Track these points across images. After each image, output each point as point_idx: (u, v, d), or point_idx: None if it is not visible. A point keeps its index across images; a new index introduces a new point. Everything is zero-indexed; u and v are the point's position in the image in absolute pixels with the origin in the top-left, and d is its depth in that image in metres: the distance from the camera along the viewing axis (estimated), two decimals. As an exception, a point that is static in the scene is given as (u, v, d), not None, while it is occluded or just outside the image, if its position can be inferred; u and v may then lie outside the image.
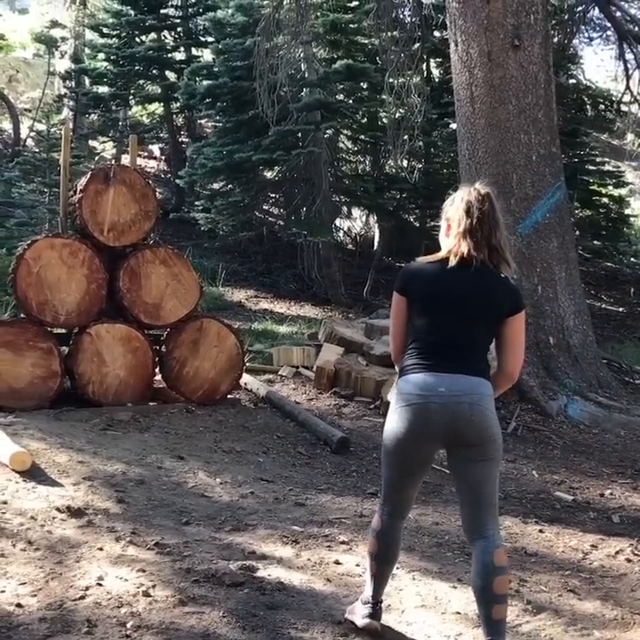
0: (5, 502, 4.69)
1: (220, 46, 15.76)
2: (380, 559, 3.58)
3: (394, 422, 3.43)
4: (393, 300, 3.60)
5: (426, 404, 3.33)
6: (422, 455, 3.46)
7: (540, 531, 5.38)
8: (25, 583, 3.73)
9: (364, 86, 16.37)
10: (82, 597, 3.65)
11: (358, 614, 3.60)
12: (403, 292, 3.54)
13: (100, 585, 3.78)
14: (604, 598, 4.25)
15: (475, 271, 3.41)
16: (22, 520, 4.46)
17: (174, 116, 20.08)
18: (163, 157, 22.47)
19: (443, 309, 3.43)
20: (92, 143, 21.68)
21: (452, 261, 3.43)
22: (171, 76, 19.38)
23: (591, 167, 17.20)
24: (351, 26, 15.24)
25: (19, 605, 3.51)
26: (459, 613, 3.90)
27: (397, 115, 14.20)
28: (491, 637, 3.29)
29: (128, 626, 3.42)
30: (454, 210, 3.53)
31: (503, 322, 3.45)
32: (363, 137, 17.39)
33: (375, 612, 3.58)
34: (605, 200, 17.84)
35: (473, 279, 3.40)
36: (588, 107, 17.47)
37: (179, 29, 19.82)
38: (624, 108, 16.33)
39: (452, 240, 3.48)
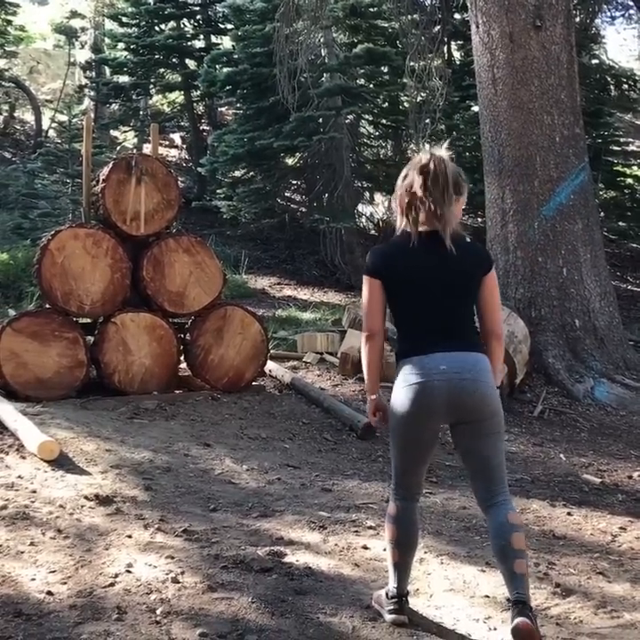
0: (34, 491, 4.72)
1: (239, 33, 15.75)
2: (401, 545, 3.57)
3: (399, 404, 3.44)
4: (365, 283, 3.52)
5: (429, 382, 3.34)
6: (428, 433, 3.47)
7: (569, 513, 5.35)
8: (55, 571, 3.76)
9: (385, 70, 16.31)
10: (111, 585, 3.67)
11: (384, 608, 3.60)
12: (376, 274, 3.47)
13: (129, 572, 3.80)
14: (634, 580, 4.22)
15: (433, 241, 3.37)
16: (51, 508, 4.49)
17: (195, 104, 20.12)
18: (184, 146, 22.51)
19: (425, 287, 3.40)
20: (113, 133, 21.76)
21: (417, 236, 3.38)
22: (191, 64, 19.42)
23: (615, 148, 17.06)
24: (371, 10, 15.19)
25: (49, 593, 3.54)
26: (487, 597, 3.89)
27: (419, 98, 14.12)
28: (516, 591, 3.30)
29: (158, 612, 3.44)
30: (409, 181, 3.43)
31: (481, 283, 3.45)
32: (384, 121, 17.33)
33: (401, 607, 3.57)
34: (630, 180, 17.70)
35: (445, 251, 3.35)
36: (611, 87, 17.32)
37: (198, 17, 19.83)
38: (647, 87, 16.18)
39: (411, 212, 3.40)
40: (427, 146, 3.40)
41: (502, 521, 3.38)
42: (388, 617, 3.55)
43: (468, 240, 3.49)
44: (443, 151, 3.44)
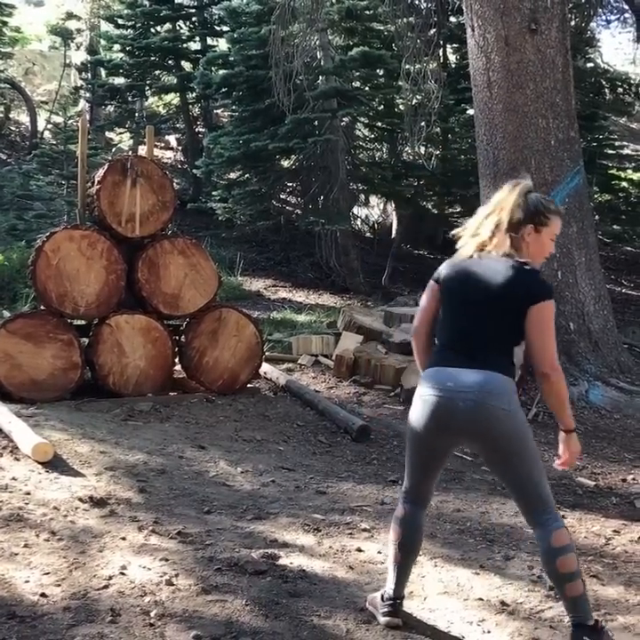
0: (28, 493, 4.72)
1: (235, 35, 15.74)
2: (404, 547, 3.58)
3: (412, 413, 3.46)
4: (427, 286, 3.61)
5: (436, 397, 3.34)
6: (435, 447, 3.46)
7: (562, 516, 5.33)
8: (49, 573, 3.76)
9: (381, 73, 16.32)
10: (105, 587, 3.67)
11: (379, 611, 3.60)
12: (436, 280, 3.56)
13: (123, 574, 3.80)
14: (628, 583, 4.23)
15: (493, 261, 3.38)
16: (45, 510, 4.49)
17: (190, 106, 20.12)
18: (179, 148, 22.51)
19: (459, 301, 3.44)
20: (108, 134, 21.75)
21: (472, 252, 3.46)
22: (186, 65, 19.42)
23: (610, 151, 17.08)
24: (366, 12, 15.18)
25: (43, 595, 3.54)
26: (481, 599, 3.90)
27: (414, 101, 14.14)
28: (571, 615, 3.35)
29: (152, 614, 3.44)
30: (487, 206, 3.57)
31: (524, 314, 3.36)
32: (379, 124, 17.35)
33: (395, 609, 3.58)
34: (625, 184, 17.73)
35: (490, 270, 3.37)
36: (606, 90, 17.34)
37: (194, 19, 19.83)
38: (642, 90, 16.22)
39: (473, 230, 3.52)
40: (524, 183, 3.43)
41: (546, 548, 3.34)
42: (383, 619, 3.56)
43: (527, 269, 3.39)
44: (524, 182, 3.58)
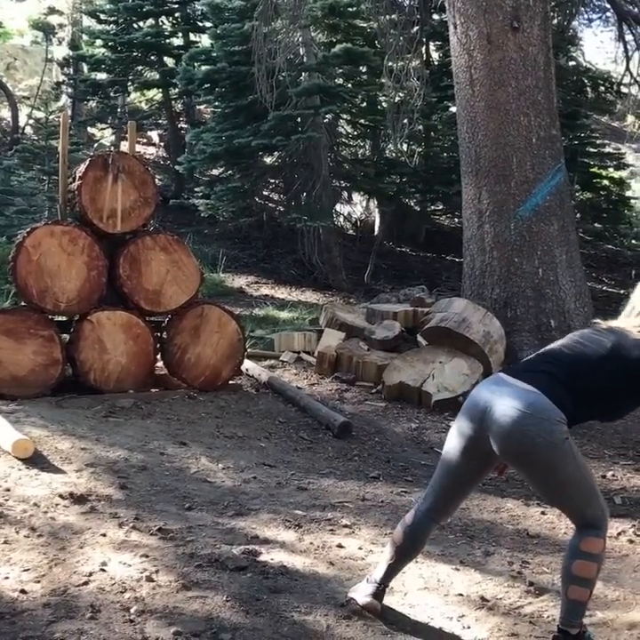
0: (8, 489, 4.70)
1: (218, 31, 15.68)
2: (401, 552, 3.59)
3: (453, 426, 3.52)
4: None
5: (469, 404, 3.40)
6: (464, 463, 3.43)
7: (542, 513, 5.38)
8: (28, 569, 3.75)
9: (363, 70, 16.30)
10: (85, 583, 3.66)
11: (360, 592, 3.62)
12: None
13: (103, 571, 3.79)
14: (606, 579, 4.26)
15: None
16: (25, 507, 4.47)
17: (173, 101, 20.04)
18: (162, 144, 22.41)
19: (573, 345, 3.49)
20: (90, 130, 21.65)
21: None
22: (169, 61, 19.33)
23: (591, 149, 17.15)
24: (349, 9, 15.15)
25: (23, 591, 3.53)
26: (461, 595, 3.92)
27: (397, 98, 14.15)
28: (563, 617, 3.35)
29: (132, 611, 3.43)
30: None
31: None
32: (362, 121, 17.33)
33: (378, 593, 3.59)
34: (606, 182, 17.80)
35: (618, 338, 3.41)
36: (587, 88, 17.40)
37: (176, 15, 19.72)
38: (624, 89, 16.29)
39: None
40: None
41: (574, 543, 3.35)
42: (362, 600, 3.56)
43: None
44: None
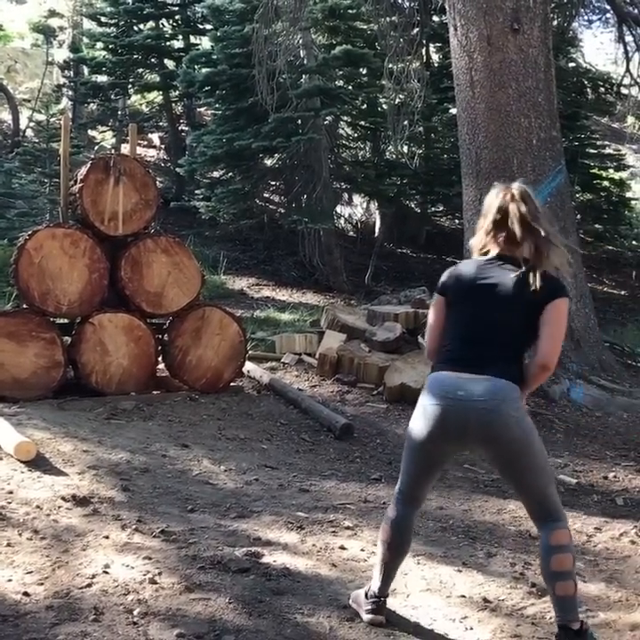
0: (11, 492, 4.70)
1: (218, 34, 15.71)
2: (393, 548, 3.59)
3: (415, 421, 3.47)
4: (432, 301, 3.67)
5: (445, 406, 3.34)
6: (438, 454, 3.49)
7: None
8: (32, 572, 3.75)
9: (364, 72, 16.33)
10: (88, 585, 3.66)
11: (362, 608, 3.62)
12: (441, 292, 3.59)
13: (106, 573, 3.80)
14: (609, 580, 4.26)
15: (502, 267, 3.43)
16: (28, 509, 4.48)
17: (173, 104, 20.06)
18: (162, 146, 22.43)
19: (469, 307, 3.46)
20: (91, 133, 21.66)
21: (480, 258, 3.52)
22: (169, 64, 19.36)
23: (592, 150, 17.16)
24: (350, 11, 15.18)
25: (26, 594, 3.53)
26: (464, 597, 3.92)
27: (397, 100, 14.16)
28: (558, 615, 3.37)
29: (135, 613, 3.44)
30: (486, 206, 3.61)
31: (538, 313, 3.38)
32: (362, 123, 17.36)
33: (379, 607, 3.59)
34: (606, 183, 17.80)
35: (501, 275, 3.41)
36: (588, 90, 17.42)
37: (177, 17, 19.77)
38: (624, 90, 16.28)
39: (479, 237, 3.56)
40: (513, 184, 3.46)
41: (544, 542, 3.41)
42: (366, 617, 3.57)
43: (546, 273, 3.40)
44: (519, 185, 3.61)
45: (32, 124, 20.13)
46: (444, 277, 3.61)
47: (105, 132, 21.68)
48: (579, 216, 15.69)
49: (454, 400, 3.33)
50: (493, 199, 3.59)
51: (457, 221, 18.60)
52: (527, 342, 3.45)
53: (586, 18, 17.24)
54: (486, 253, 3.53)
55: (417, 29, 13.67)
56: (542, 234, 3.47)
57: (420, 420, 3.43)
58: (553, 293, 3.40)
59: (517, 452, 3.34)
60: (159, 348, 7.54)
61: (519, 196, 3.54)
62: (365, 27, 16.03)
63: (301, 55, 15.18)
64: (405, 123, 13.53)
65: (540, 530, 3.45)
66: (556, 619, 3.40)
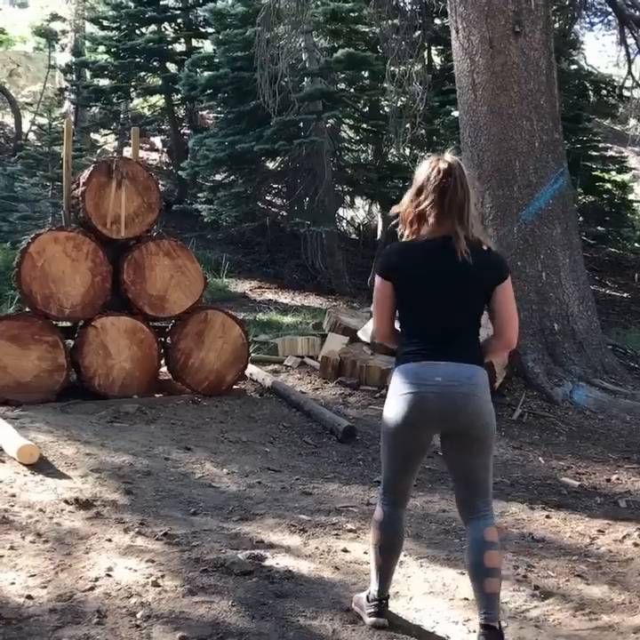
0: (14, 495, 4.71)
1: (220, 37, 15.72)
2: (385, 550, 3.58)
3: (392, 412, 3.43)
4: (376, 283, 3.51)
5: (422, 393, 3.33)
6: (419, 443, 3.48)
7: (547, 516, 5.38)
8: (35, 575, 3.75)
9: (366, 75, 16.35)
10: (91, 588, 3.67)
11: (365, 611, 3.61)
12: (387, 276, 3.46)
13: (109, 576, 3.80)
14: (612, 583, 4.26)
15: (449, 248, 3.32)
16: (31, 513, 4.48)
17: (175, 107, 20.07)
18: (164, 149, 22.45)
19: (430, 293, 3.37)
20: (93, 136, 21.67)
21: (432, 240, 3.36)
22: (171, 67, 19.38)
23: (594, 153, 17.14)
24: (351, 14, 15.20)
25: (29, 597, 3.53)
26: (466, 599, 3.91)
27: (399, 103, 14.16)
28: (483, 611, 3.33)
29: (138, 616, 3.44)
30: (422, 180, 3.40)
31: (493, 294, 3.41)
32: (365, 126, 17.37)
33: (381, 610, 3.59)
34: (608, 186, 17.79)
35: (456, 258, 3.31)
36: (590, 92, 17.40)
37: (179, 21, 19.79)
38: (626, 93, 16.27)
39: (419, 217, 3.38)
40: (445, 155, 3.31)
41: (478, 537, 3.39)
42: (369, 620, 3.57)
43: (485, 248, 3.40)
44: (452, 156, 3.42)
45: (34, 128, 20.15)
46: (386, 260, 3.47)
47: (107, 135, 21.69)
48: (581, 218, 15.68)
49: (432, 385, 3.32)
50: (427, 170, 3.39)
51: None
52: (479, 324, 3.48)
53: (587, 20, 17.23)
54: (419, 230, 3.39)
55: (419, 32, 13.67)
56: (468, 208, 3.36)
57: (397, 411, 3.39)
58: (503, 273, 3.43)
59: (484, 436, 3.37)
60: (162, 350, 7.54)
61: (457, 167, 3.37)
62: (367, 30, 16.04)
63: (303, 58, 15.19)
64: (407, 125, 13.54)
65: (472, 523, 3.43)
66: (481, 617, 3.34)
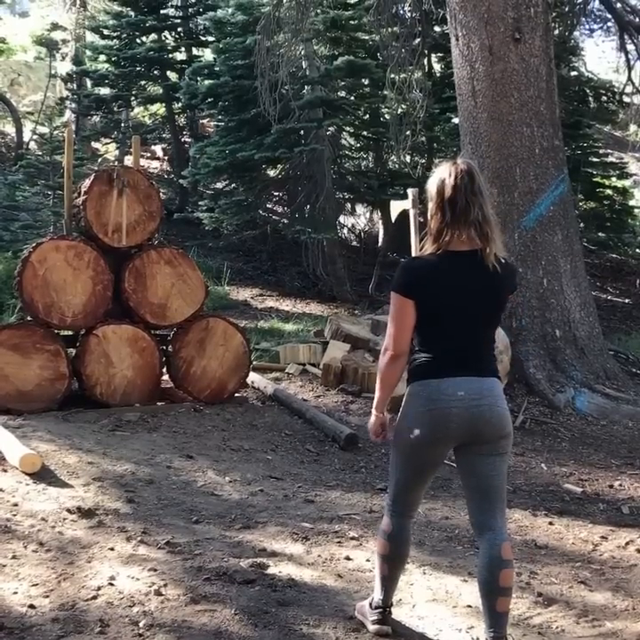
0: (16, 504, 4.71)
1: (220, 45, 15.75)
2: (391, 560, 3.56)
3: (412, 427, 3.36)
4: (395, 300, 3.35)
5: (446, 408, 3.28)
6: (438, 456, 3.46)
7: (550, 523, 5.38)
8: (37, 584, 3.75)
9: (366, 82, 16.37)
10: (94, 597, 3.66)
11: (368, 619, 3.60)
12: (410, 294, 3.32)
13: (111, 585, 3.79)
14: (615, 589, 4.25)
15: (477, 262, 3.28)
16: (33, 522, 4.48)
17: (176, 116, 20.09)
18: (165, 158, 22.48)
19: (457, 310, 3.31)
20: (94, 145, 21.71)
21: (456, 255, 3.30)
22: (172, 76, 19.40)
23: (594, 159, 17.16)
24: (351, 22, 15.22)
25: (31, 606, 3.53)
26: (470, 606, 3.91)
27: (399, 110, 14.18)
28: (492, 629, 3.30)
29: (140, 625, 3.43)
30: (437, 188, 3.36)
31: (504, 304, 3.52)
32: (365, 133, 17.39)
33: (385, 618, 3.58)
34: (609, 192, 17.80)
35: (486, 273, 3.28)
36: (590, 98, 17.42)
37: (179, 29, 19.82)
38: (626, 99, 16.32)
39: (444, 229, 3.30)
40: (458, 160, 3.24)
41: (494, 555, 3.31)
42: (372, 627, 3.56)
43: (504, 261, 3.37)
44: (467, 162, 3.37)
45: (35, 137, 20.18)
46: (407, 279, 3.34)
47: (108, 144, 21.72)
48: (582, 224, 15.69)
49: (455, 400, 3.28)
50: (446, 178, 3.32)
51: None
52: (494, 336, 3.53)
53: (587, 27, 17.26)
54: (443, 243, 3.30)
55: (419, 40, 13.69)
56: (490, 217, 3.32)
57: (419, 426, 3.32)
58: (516, 282, 3.53)
59: (505, 447, 3.38)
60: (163, 359, 7.54)
61: (472, 174, 3.31)
62: (367, 37, 16.06)
63: (303, 66, 15.21)
64: (408, 132, 13.54)
65: (488, 537, 3.35)
66: (488, 632, 3.31)
